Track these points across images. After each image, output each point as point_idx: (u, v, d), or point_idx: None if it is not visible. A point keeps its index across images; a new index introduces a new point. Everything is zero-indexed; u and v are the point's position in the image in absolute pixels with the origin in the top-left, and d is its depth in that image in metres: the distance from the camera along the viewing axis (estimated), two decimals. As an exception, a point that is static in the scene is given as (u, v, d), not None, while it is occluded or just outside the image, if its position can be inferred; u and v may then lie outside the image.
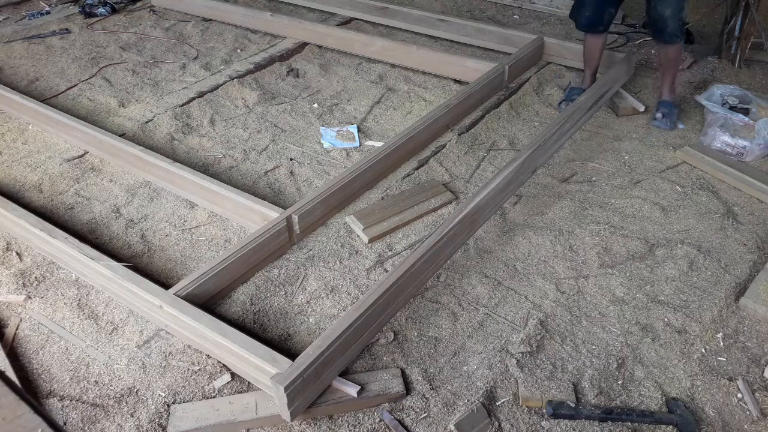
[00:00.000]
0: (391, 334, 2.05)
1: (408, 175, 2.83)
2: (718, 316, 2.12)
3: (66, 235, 2.28)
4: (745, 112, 3.02)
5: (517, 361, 1.95)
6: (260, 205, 2.44)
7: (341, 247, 2.44)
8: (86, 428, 1.78)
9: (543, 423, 1.78)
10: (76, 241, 2.25)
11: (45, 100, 3.44)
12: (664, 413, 1.80)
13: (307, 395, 1.77)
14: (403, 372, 1.92)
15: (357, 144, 3.09)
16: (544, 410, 1.81)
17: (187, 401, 1.85)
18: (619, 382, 1.91)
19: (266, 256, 2.31)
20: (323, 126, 3.24)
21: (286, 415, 1.75)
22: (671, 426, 1.77)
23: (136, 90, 3.61)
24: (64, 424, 1.79)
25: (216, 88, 3.58)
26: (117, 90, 3.61)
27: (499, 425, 1.78)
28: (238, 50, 4.10)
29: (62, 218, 2.61)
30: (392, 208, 2.57)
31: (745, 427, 1.79)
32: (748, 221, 2.55)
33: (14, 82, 3.69)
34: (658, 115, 3.20)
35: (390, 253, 2.41)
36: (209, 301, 2.15)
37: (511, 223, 2.56)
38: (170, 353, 2.00)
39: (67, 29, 4.42)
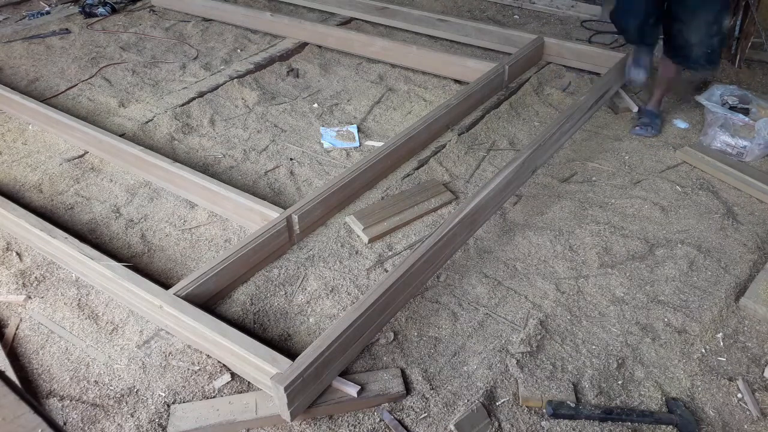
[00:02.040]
0: (391, 334, 2.05)
1: (408, 175, 2.83)
2: (718, 316, 2.12)
3: (66, 235, 2.28)
4: (745, 112, 3.02)
5: (517, 361, 1.95)
6: (260, 205, 2.44)
7: (341, 247, 2.44)
8: (86, 428, 1.78)
9: (543, 423, 1.78)
10: (76, 241, 2.25)
11: (45, 100, 3.44)
12: (664, 413, 1.80)
13: (307, 395, 1.77)
14: (403, 372, 1.92)
15: (357, 144, 3.09)
16: (544, 410, 1.81)
17: (187, 401, 1.85)
18: (619, 382, 1.91)
19: (266, 256, 2.31)
20: (323, 126, 3.24)
21: (286, 415, 1.75)
22: (671, 426, 1.77)
23: (136, 90, 3.61)
24: (64, 424, 1.79)
25: (216, 88, 3.58)
26: (117, 90, 3.61)
27: (499, 425, 1.78)
28: (238, 50, 4.10)
29: (62, 218, 2.61)
30: (392, 208, 2.57)
31: (745, 427, 1.79)
32: (748, 221, 2.55)
33: (14, 82, 3.69)
34: (638, 127, 3.10)
35: (390, 253, 2.41)
36: (209, 301, 2.15)
37: (511, 223, 2.56)
38: (170, 353, 2.00)
39: (67, 29, 4.42)
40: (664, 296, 2.20)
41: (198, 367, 1.95)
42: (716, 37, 2.66)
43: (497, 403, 1.84)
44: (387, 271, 2.32)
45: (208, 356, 1.98)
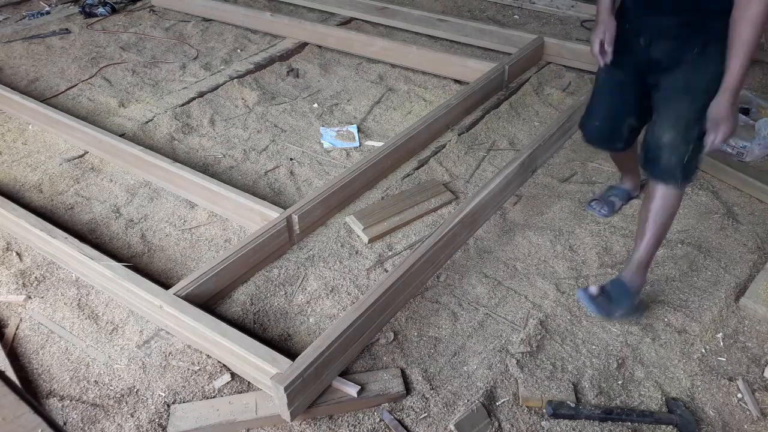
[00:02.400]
0: (391, 334, 2.05)
1: (408, 175, 2.83)
2: (718, 316, 2.12)
3: (66, 235, 2.28)
4: (745, 112, 3.02)
5: (517, 361, 1.95)
6: (260, 205, 2.44)
7: (341, 247, 2.44)
8: (86, 428, 1.78)
9: (543, 423, 1.78)
10: (76, 241, 2.25)
11: (45, 100, 3.44)
12: (664, 413, 1.80)
13: (307, 395, 1.77)
14: (403, 372, 1.92)
15: (357, 144, 3.09)
16: (544, 410, 1.81)
17: (187, 401, 1.85)
18: (619, 382, 1.91)
19: (266, 256, 2.31)
20: (323, 126, 3.24)
21: (286, 415, 1.75)
22: (671, 426, 1.77)
23: (136, 90, 3.61)
24: (64, 424, 1.79)
25: (216, 88, 3.58)
26: (117, 90, 3.61)
27: (499, 425, 1.78)
28: (238, 50, 4.10)
29: (62, 218, 2.61)
30: (392, 208, 2.57)
31: (745, 427, 1.79)
32: (748, 221, 2.55)
33: (14, 82, 3.69)
34: (592, 289, 2.05)
35: (390, 253, 2.41)
36: (209, 301, 2.15)
37: (511, 223, 2.56)
38: (170, 353, 2.00)
39: (67, 29, 4.42)
40: (664, 296, 2.20)
41: (198, 367, 1.95)
42: (688, 151, 1.90)
43: (497, 403, 1.84)
44: (387, 271, 2.32)
45: (208, 356, 1.98)
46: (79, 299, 2.21)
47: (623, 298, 2.04)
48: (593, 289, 2.04)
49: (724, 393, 1.88)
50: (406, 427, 1.77)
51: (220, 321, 1.92)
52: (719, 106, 1.75)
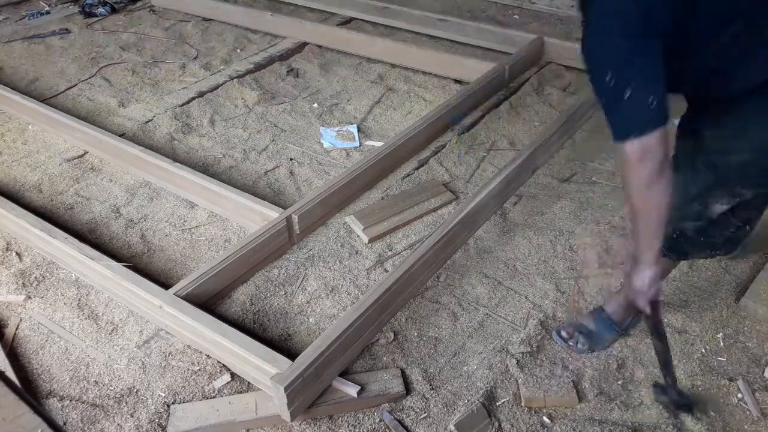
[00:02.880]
0: (391, 334, 2.05)
1: (408, 175, 2.83)
2: (718, 316, 2.12)
3: (66, 235, 2.28)
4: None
5: (517, 361, 1.95)
6: (260, 205, 2.44)
7: (341, 247, 2.44)
8: (86, 428, 1.78)
9: (544, 419, 1.78)
10: (75, 241, 2.25)
11: (45, 100, 3.44)
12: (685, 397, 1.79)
13: (307, 395, 1.77)
14: (403, 372, 1.92)
15: (357, 144, 3.09)
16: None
17: (187, 401, 1.85)
18: (619, 383, 1.91)
19: (266, 256, 2.31)
20: (323, 126, 3.24)
21: (286, 415, 1.74)
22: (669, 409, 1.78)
23: (136, 90, 3.61)
24: (64, 424, 1.79)
25: (216, 88, 3.58)
26: (117, 90, 3.61)
27: (499, 425, 1.78)
28: (238, 50, 4.10)
29: (62, 218, 2.61)
30: (392, 208, 2.57)
31: (745, 427, 1.79)
32: (748, 221, 2.54)
33: (14, 82, 3.69)
34: (563, 333, 2.00)
35: (390, 253, 2.41)
36: (209, 301, 2.15)
37: (511, 223, 2.56)
38: (170, 353, 2.00)
39: (67, 29, 4.42)
40: (664, 296, 2.20)
41: (198, 367, 1.95)
42: (690, 221, 1.68)
43: (497, 404, 1.84)
44: (387, 271, 2.32)
45: (208, 356, 1.98)
46: (79, 299, 2.21)
47: (604, 333, 1.97)
48: (564, 333, 2.00)
49: (725, 393, 1.88)
50: (406, 428, 1.77)
51: (220, 321, 1.92)
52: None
